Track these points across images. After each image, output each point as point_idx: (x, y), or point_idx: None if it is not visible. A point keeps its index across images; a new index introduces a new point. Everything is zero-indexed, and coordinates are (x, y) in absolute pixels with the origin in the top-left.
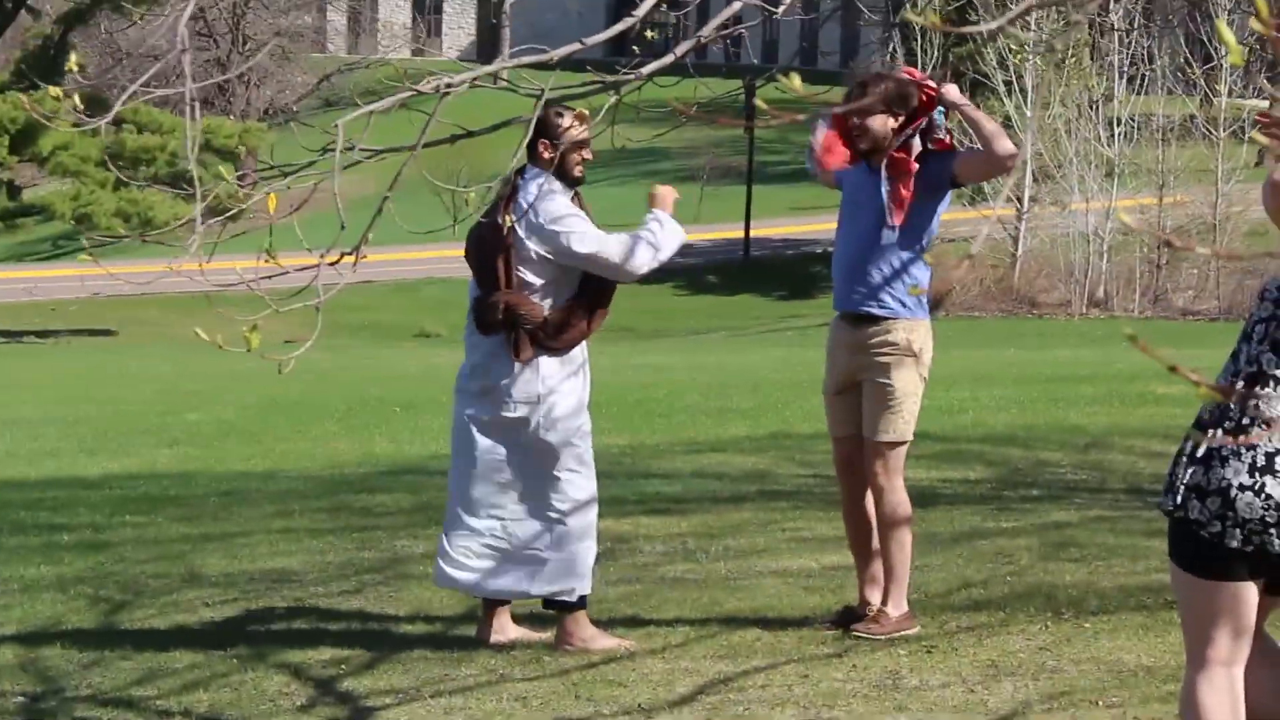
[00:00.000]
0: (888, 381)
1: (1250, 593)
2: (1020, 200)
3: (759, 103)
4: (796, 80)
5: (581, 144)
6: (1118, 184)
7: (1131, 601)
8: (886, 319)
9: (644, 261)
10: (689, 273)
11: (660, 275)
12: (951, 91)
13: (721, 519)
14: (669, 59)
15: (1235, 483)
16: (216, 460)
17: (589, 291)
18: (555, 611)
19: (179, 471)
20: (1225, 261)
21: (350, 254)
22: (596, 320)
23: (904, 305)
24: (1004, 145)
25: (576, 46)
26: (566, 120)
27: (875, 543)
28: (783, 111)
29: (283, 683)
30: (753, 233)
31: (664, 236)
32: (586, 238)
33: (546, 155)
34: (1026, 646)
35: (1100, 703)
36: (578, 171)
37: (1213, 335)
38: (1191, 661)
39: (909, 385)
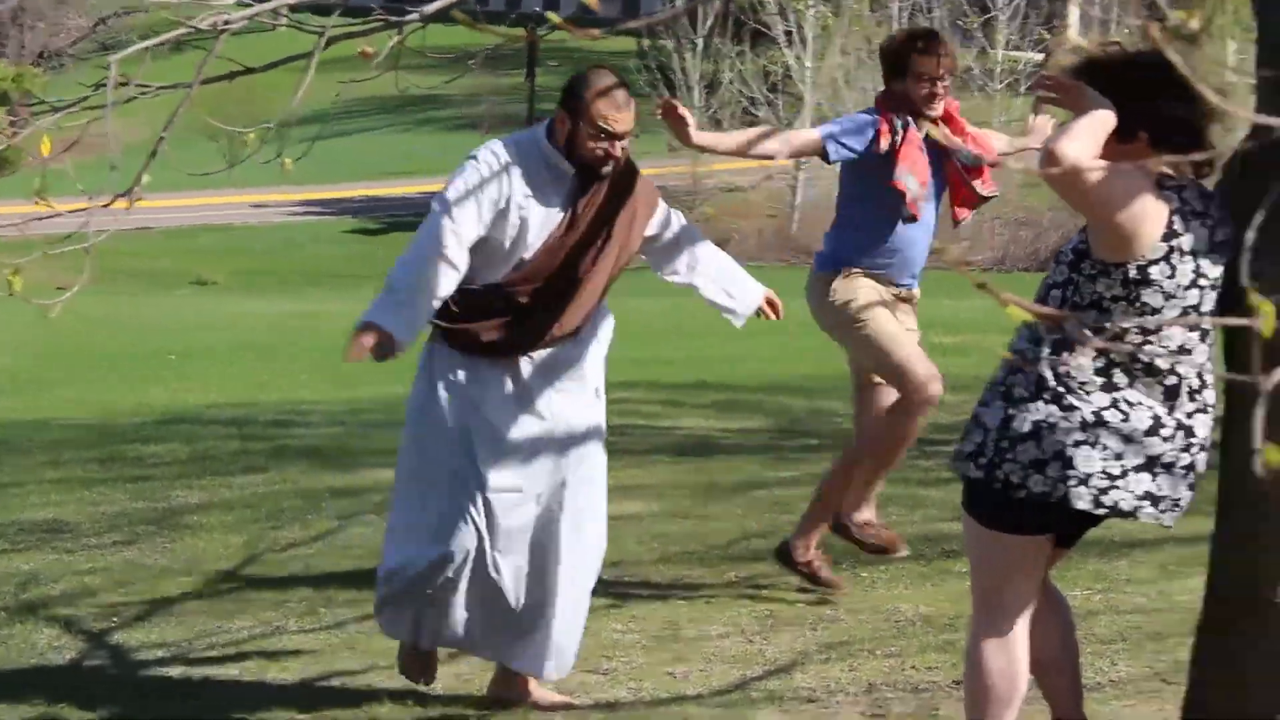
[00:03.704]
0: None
1: (1047, 546)
2: None
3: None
4: None
5: (605, 132)
6: None
7: (908, 550)
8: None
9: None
10: None
11: None
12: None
13: None
14: None
15: (1069, 441)
16: None
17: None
18: None
19: None
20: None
21: (123, 197)
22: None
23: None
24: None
25: None
26: (591, 95)
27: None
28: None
29: (53, 635)
30: None
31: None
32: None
33: (561, 127)
34: (805, 597)
35: (879, 652)
36: (593, 161)
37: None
38: (981, 615)
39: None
